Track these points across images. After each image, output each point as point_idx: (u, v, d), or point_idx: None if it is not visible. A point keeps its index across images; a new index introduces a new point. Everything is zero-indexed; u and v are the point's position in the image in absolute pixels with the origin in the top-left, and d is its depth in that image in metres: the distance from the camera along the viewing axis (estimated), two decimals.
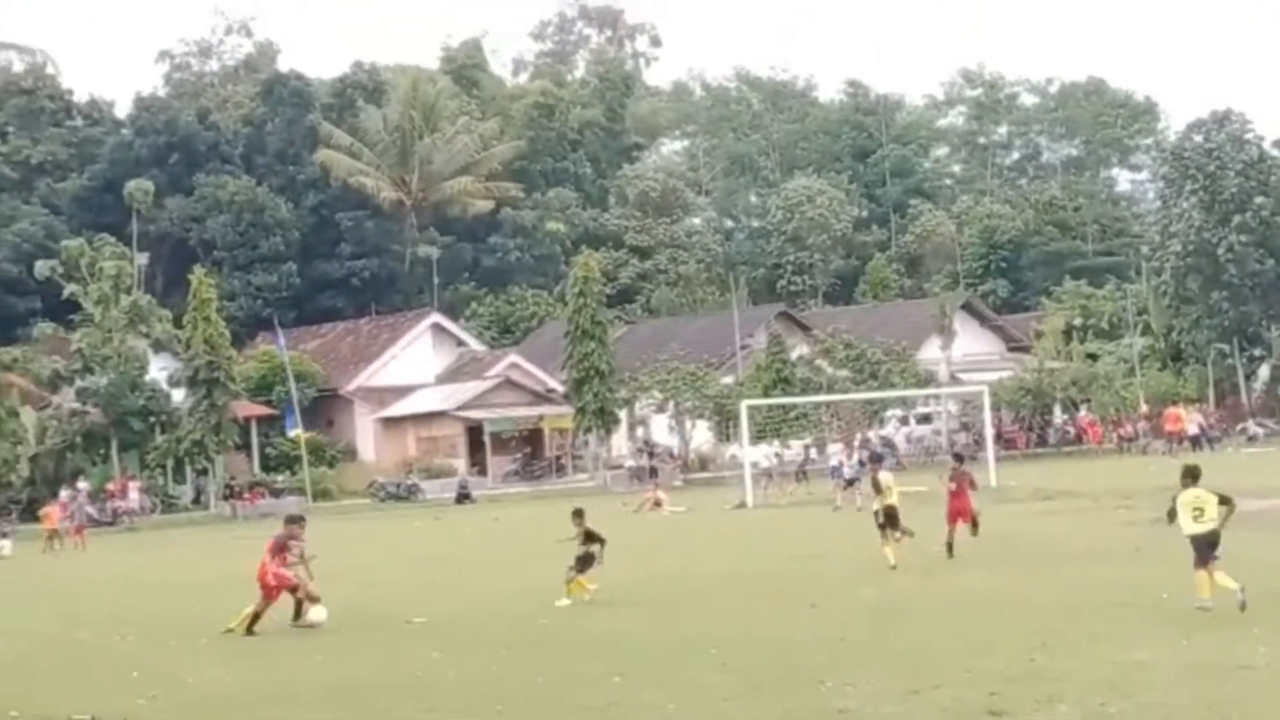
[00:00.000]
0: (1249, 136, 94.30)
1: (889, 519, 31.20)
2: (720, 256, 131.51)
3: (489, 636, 23.68)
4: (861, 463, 48.63)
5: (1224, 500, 22.31)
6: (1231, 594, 21.61)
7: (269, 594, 25.63)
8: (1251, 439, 78.15)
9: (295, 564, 25.89)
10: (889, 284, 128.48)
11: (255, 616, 25.35)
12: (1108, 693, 16.31)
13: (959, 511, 31.77)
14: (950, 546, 31.43)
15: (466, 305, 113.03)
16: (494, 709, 17.65)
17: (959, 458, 36.95)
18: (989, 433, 66.19)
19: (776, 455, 65.46)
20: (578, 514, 27.65)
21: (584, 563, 27.10)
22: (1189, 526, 22.34)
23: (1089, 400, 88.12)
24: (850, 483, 49.81)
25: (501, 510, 63.02)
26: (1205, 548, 22.21)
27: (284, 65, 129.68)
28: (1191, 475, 22.65)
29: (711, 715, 16.35)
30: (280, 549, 25.95)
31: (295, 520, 27.13)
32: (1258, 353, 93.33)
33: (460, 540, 48.82)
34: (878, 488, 32.09)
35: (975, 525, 31.81)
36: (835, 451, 60.09)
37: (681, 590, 29.12)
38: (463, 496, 71.45)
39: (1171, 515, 22.63)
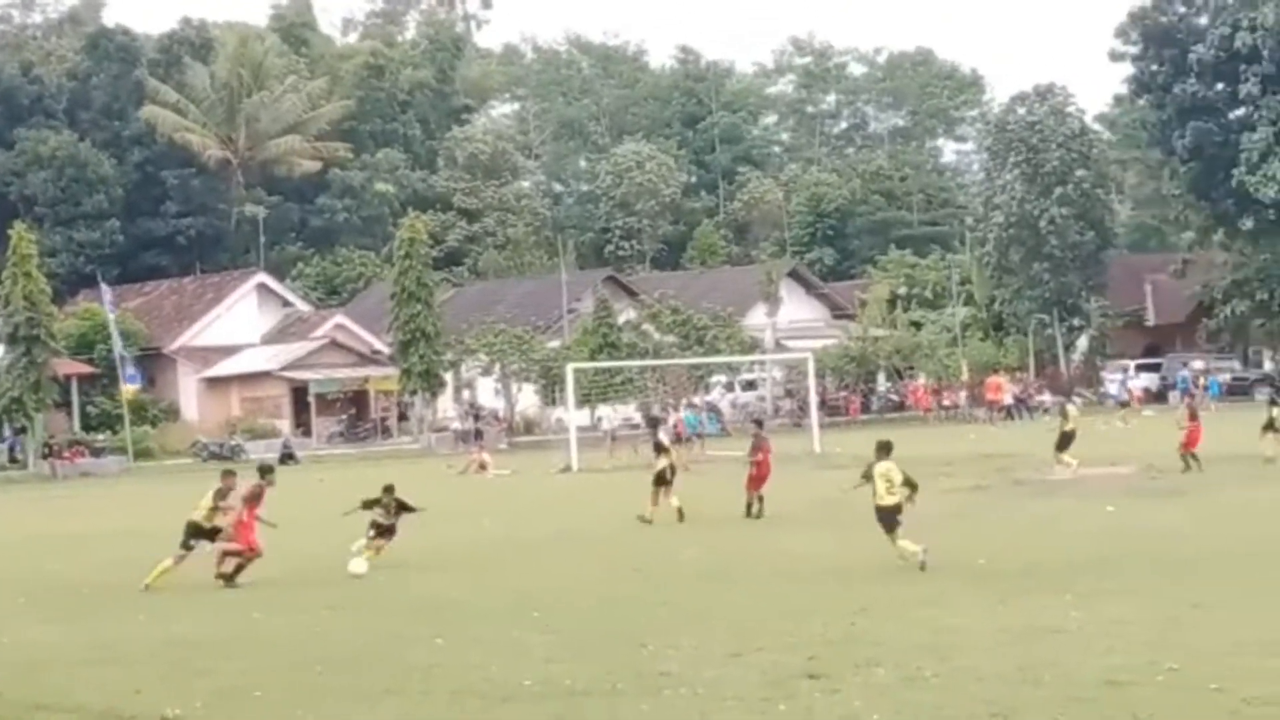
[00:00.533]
0: (1070, 110, 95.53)
1: (660, 479, 32.85)
2: (549, 220, 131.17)
3: (311, 598, 23.64)
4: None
5: (909, 482, 23.75)
6: (915, 556, 23.16)
7: (248, 544, 25.70)
8: (1046, 411, 78.01)
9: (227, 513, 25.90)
10: (716, 250, 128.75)
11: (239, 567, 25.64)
12: (925, 656, 16.59)
13: (762, 478, 32.86)
14: (750, 508, 32.52)
15: (293, 265, 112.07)
16: (315, 669, 17.61)
17: (759, 423, 38.34)
18: (813, 399, 66.83)
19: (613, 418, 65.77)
20: (388, 490, 27.48)
21: (383, 531, 27.16)
22: (880, 497, 23.37)
23: (911, 368, 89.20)
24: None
25: (326, 471, 62.62)
26: (890, 517, 23.59)
27: (109, 20, 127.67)
28: (885, 449, 23.84)
29: (534, 677, 16.39)
30: (256, 498, 26.14)
31: (268, 470, 27.56)
32: (1077, 323, 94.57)
33: (283, 501, 48.37)
34: (660, 450, 33.81)
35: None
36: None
37: (505, 553, 29.23)
38: (286, 457, 70.77)
39: (866, 478, 23.62)
